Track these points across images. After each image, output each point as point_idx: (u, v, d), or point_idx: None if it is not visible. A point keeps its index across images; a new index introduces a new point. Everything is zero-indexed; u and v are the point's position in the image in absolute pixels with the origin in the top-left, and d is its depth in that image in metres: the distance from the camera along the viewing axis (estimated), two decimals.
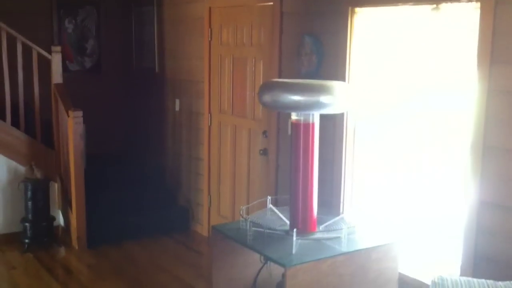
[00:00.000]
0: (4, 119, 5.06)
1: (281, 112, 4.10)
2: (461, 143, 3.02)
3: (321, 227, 3.17)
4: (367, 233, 3.16)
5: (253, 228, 3.05)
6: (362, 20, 3.50)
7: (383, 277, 3.05)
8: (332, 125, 3.66)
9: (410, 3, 3.18)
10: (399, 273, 3.13)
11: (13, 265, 4.60)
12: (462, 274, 2.94)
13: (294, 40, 3.96)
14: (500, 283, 2.43)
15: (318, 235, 3.08)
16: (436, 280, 2.48)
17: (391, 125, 3.47)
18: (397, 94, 3.41)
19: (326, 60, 3.71)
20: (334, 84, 2.97)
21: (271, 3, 4.21)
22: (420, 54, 3.25)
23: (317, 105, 2.91)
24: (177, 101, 5.55)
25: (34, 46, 5.12)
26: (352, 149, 3.64)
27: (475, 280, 2.46)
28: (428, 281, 2.91)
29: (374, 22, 3.47)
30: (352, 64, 3.56)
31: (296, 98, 2.90)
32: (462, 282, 2.44)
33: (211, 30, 4.96)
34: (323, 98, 2.89)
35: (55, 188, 5.32)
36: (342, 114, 3.59)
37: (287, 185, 3.46)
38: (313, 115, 3.06)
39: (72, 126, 4.81)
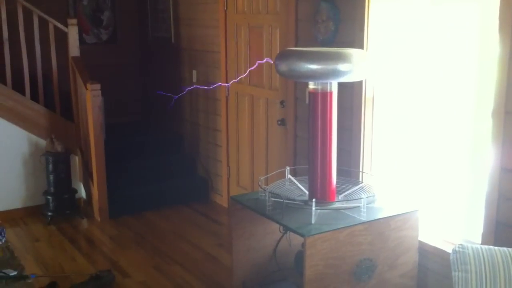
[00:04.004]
0: (23, 93, 5.10)
1: (298, 81, 4.05)
2: (483, 109, 2.96)
3: (340, 197, 3.16)
4: (386, 202, 3.15)
5: (272, 199, 3.05)
6: None
7: (403, 246, 3.04)
8: (350, 93, 3.61)
9: None
10: (419, 242, 3.13)
11: (37, 237, 4.69)
12: (483, 242, 2.91)
13: (310, 7, 3.89)
14: None
15: (337, 205, 3.08)
16: (457, 249, 2.46)
17: (410, 92, 3.42)
18: (415, 61, 3.35)
19: (343, 26, 3.64)
20: (352, 52, 2.91)
21: None
22: (439, 21, 3.17)
23: (335, 73, 2.86)
24: (194, 72, 5.52)
25: (50, 19, 5.12)
26: (371, 117, 3.59)
27: (496, 248, 2.43)
28: (449, 250, 2.90)
29: None
30: (370, 30, 3.48)
31: (313, 66, 2.85)
32: (483, 250, 2.42)
33: None
34: (340, 66, 2.84)
35: (76, 160, 5.37)
36: (360, 82, 3.53)
37: (306, 155, 3.45)
38: (330, 83, 3.01)
39: (90, 99, 4.83)
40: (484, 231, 2.92)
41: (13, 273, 3.13)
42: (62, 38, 5.22)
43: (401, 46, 3.42)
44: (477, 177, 3.04)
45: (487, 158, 2.88)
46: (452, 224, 3.23)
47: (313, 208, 2.87)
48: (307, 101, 3.31)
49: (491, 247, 2.45)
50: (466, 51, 3.06)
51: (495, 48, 2.79)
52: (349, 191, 3.21)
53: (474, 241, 3.02)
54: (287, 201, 3.04)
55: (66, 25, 5.17)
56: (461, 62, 3.10)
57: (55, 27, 5.16)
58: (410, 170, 3.48)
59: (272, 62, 3.43)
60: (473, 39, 3.01)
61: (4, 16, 4.93)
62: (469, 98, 3.07)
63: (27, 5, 5.00)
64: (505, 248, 2.43)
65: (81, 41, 5.53)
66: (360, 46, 3.48)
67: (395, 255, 3.03)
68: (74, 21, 5.22)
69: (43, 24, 5.12)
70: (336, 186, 3.16)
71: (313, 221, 2.86)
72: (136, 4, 6.51)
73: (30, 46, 5.07)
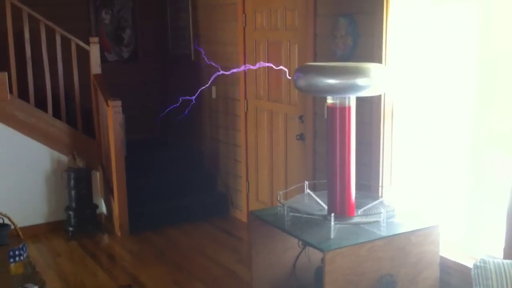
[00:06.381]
0: (45, 110, 5.18)
1: (317, 96, 4.06)
2: (503, 123, 2.93)
3: (360, 211, 3.14)
4: (406, 216, 3.12)
5: (291, 213, 3.05)
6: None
7: (424, 261, 3.01)
8: (369, 107, 3.60)
9: None
10: (440, 257, 3.09)
11: (58, 252, 4.73)
12: (505, 257, 2.87)
13: (329, 22, 3.91)
14: None
15: (356, 220, 3.06)
16: (478, 264, 2.43)
17: (429, 105, 3.40)
18: (434, 74, 3.33)
19: (361, 41, 3.65)
20: (370, 66, 2.92)
21: None
22: (456, 34, 3.16)
23: (353, 88, 2.87)
24: (214, 89, 5.57)
25: (72, 38, 5.21)
26: (390, 132, 3.58)
27: None
28: (470, 265, 2.86)
29: (410, 1, 3.39)
30: (389, 45, 3.49)
31: (331, 81, 2.86)
32: (505, 265, 2.38)
33: (245, 16, 4.94)
34: (359, 81, 2.85)
35: (97, 176, 5.43)
36: (379, 96, 3.53)
37: (325, 169, 3.44)
38: (349, 98, 3.02)
39: (111, 116, 4.89)
40: (506, 245, 2.87)
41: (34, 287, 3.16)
42: (84, 57, 5.31)
43: (420, 60, 3.41)
44: (499, 191, 3.00)
45: (509, 172, 2.85)
46: (473, 238, 3.18)
47: (332, 223, 2.86)
48: (325, 116, 3.32)
49: None
50: (482, 60, 3.04)
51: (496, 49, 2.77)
52: (369, 206, 3.19)
53: (496, 256, 2.98)
54: (306, 216, 3.03)
55: (88, 44, 5.26)
56: (479, 72, 3.08)
57: (77, 45, 5.25)
58: (430, 184, 3.45)
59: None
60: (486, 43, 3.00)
61: (27, 35, 5.03)
62: (490, 111, 3.04)
63: (50, 24, 5.10)
64: None
65: (103, 59, 5.61)
66: (379, 60, 3.48)
67: (416, 271, 3.00)
68: (96, 39, 5.31)
69: (66, 42, 5.21)
70: (355, 201, 3.15)
71: (332, 236, 2.85)
72: (156, 22, 6.60)
73: (52, 64, 5.17)
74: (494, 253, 3.02)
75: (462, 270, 3.07)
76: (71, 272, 4.33)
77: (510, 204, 2.84)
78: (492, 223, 3.06)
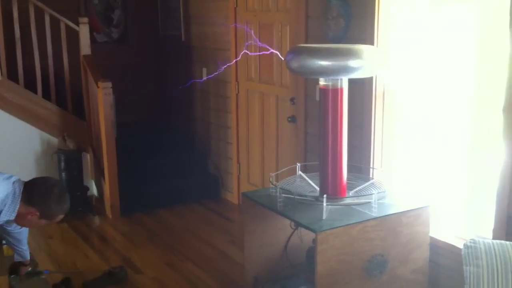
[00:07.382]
0: (35, 92, 5.14)
1: (308, 78, 4.06)
2: (494, 105, 2.95)
3: (351, 193, 3.17)
4: (397, 198, 3.15)
5: (283, 195, 3.07)
6: None
7: (414, 242, 3.05)
8: (361, 89, 3.61)
9: None
10: (431, 237, 3.13)
11: (49, 234, 4.72)
12: (494, 237, 2.91)
13: (321, 4, 3.89)
14: None
15: (348, 201, 3.08)
16: (468, 244, 2.46)
17: (420, 88, 3.42)
18: (425, 57, 3.34)
19: (354, 23, 3.64)
20: (362, 48, 2.91)
21: None
22: (446, 19, 3.17)
23: (345, 69, 2.87)
24: (204, 70, 5.54)
25: (61, 18, 5.16)
26: (382, 114, 3.59)
27: (508, 243, 2.43)
28: (460, 245, 2.90)
29: None
30: (381, 27, 3.49)
31: (323, 63, 2.85)
32: (495, 245, 2.42)
33: None
34: (351, 62, 2.84)
35: (87, 158, 5.42)
36: (371, 78, 3.54)
37: (316, 152, 3.46)
38: (341, 80, 3.02)
39: (101, 97, 4.86)
40: (496, 226, 2.92)
41: None
42: (73, 37, 5.26)
43: (411, 42, 3.42)
44: (488, 172, 3.03)
45: (499, 153, 2.88)
46: (463, 219, 3.22)
47: (324, 204, 2.88)
48: (317, 98, 3.32)
49: (503, 241, 2.45)
50: (473, 48, 3.05)
51: (503, 45, 2.78)
52: (360, 187, 3.22)
53: (485, 236, 3.02)
54: (298, 197, 3.05)
55: (78, 24, 5.21)
56: (469, 59, 3.09)
57: (67, 25, 5.20)
58: (421, 166, 3.48)
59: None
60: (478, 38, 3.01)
61: (16, 15, 4.98)
62: (479, 94, 3.07)
63: (39, 4, 5.05)
64: None
65: (92, 39, 5.55)
66: (371, 42, 3.48)
67: (406, 251, 3.04)
68: (85, 19, 5.26)
69: (55, 23, 5.16)
70: (347, 182, 3.17)
71: (324, 217, 2.87)
72: (146, 2, 6.53)
73: (41, 45, 5.12)
74: (482, 234, 3.07)
75: (452, 250, 3.12)
76: (62, 254, 4.33)
77: (499, 187, 2.88)
78: (481, 204, 3.10)
